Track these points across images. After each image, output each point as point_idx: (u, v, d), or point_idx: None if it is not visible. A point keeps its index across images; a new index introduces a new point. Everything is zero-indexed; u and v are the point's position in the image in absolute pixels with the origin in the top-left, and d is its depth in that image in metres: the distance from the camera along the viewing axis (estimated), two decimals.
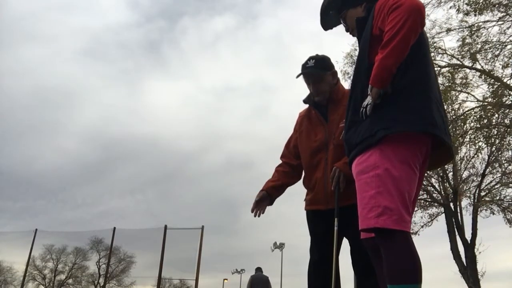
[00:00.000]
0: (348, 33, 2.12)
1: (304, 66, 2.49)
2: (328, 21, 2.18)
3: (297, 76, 2.52)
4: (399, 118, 1.65)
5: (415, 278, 1.52)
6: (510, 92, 10.10)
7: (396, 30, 1.61)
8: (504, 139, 11.38)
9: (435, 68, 10.75)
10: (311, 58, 2.49)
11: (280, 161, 2.71)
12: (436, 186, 13.85)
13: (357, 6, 2.00)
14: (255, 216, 2.56)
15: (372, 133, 1.67)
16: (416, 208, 14.34)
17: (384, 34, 1.67)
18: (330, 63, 2.56)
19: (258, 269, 10.19)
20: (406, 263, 1.55)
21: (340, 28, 2.16)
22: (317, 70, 2.46)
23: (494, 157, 12.59)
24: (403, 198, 1.62)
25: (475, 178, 13.48)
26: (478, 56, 10.40)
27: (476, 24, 10.20)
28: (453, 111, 11.67)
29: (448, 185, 13.44)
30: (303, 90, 2.61)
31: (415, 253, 1.58)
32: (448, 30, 10.58)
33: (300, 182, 2.64)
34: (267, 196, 2.56)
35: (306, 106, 2.66)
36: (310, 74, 2.47)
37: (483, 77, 10.86)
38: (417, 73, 1.73)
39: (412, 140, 1.67)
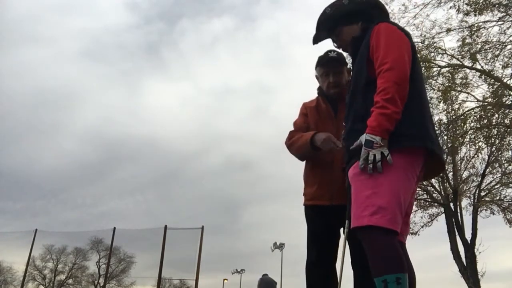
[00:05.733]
0: (340, 49, 2.23)
1: (326, 56, 2.51)
2: (319, 35, 2.26)
3: (321, 62, 2.51)
4: (400, 133, 1.72)
5: (401, 268, 1.57)
6: (510, 92, 10.08)
7: (389, 97, 1.70)
8: (504, 139, 11.37)
9: (435, 68, 10.83)
10: (332, 50, 2.50)
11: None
12: (436, 186, 13.83)
13: (353, 24, 2.09)
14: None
15: None
16: (416, 208, 14.36)
17: (377, 94, 1.74)
18: (345, 59, 2.60)
19: (265, 275, 10.30)
20: (391, 255, 1.60)
21: None
22: (340, 61, 2.49)
23: (494, 157, 12.57)
24: (397, 200, 1.67)
25: (475, 178, 13.47)
26: (478, 56, 10.38)
27: (476, 24, 10.18)
28: (453, 111, 11.66)
29: (448, 185, 13.42)
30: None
31: (399, 249, 1.64)
32: (448, 30, 10.55)
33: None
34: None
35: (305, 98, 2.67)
36: (335, 63, 2.48)
37: (483, 77, 10.84)
38: (413, 90, 1.80)
39: (410, 153, 1.75)
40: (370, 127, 1.70)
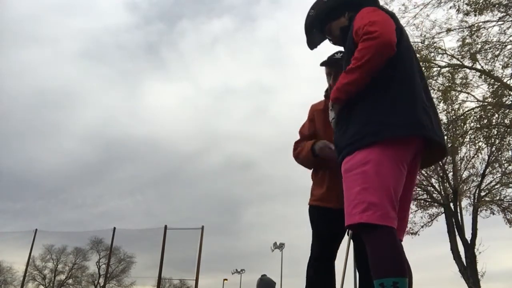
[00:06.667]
0: (336, 45, 2.18)
1: (332, 56, 2.45)
2: (313, 39, 2.22)
3: (323, 64, 2.46)
4: (386, 122, 1.68)
5: (400, 272, 1.52)
6: (510, 92, 10.08)
7: (361, 64, 1.70)
8: (504, 139, 11.37)
9: (435, 68, 10.83)
10: (339, 51, 2.44)
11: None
12: (436, 186, 13.84)
13: (340, 17, 2.06)
14: None
15: (360, 137, 1.70)
16: (416, 208, 14.39)
17: (352, 59, 1.74)
18: None
19: (264, 276, 10.29)
20: (390, 257, 1.55)
21: None
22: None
23: (494, 157, 12.57)
24: (388, 194, 1.63)
25: (475, 178, 13.48)
26: (478, 56, 10.37)
27: (476, 24, 10.18)
28: (453, 111, 11.66)
29: (448, 185, 13.43)
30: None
31: (399, 248, 1.59)
32: (448, 30, 10.55)
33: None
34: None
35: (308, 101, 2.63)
36: (336, 64, 2.38)
37: (483, 77, 10.84)
38: (401, 75, 1.77)
39: (399, 141, 1.70)
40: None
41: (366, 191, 1.62)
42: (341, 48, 2.25)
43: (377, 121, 1.69)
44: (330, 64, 2.43)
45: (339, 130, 1.85)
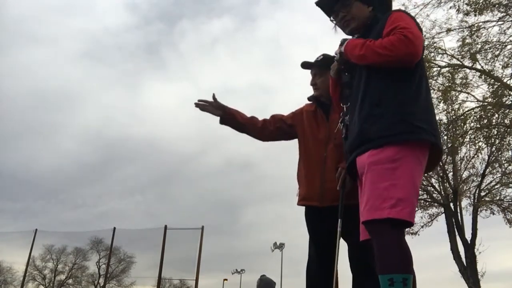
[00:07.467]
0: (336, 22, 2.11)
1: (317, 60, 2.54)
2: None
3: (302, 65, 2.56)
4: (419, 125, 1.73)
5: (409, 269, 1.56)
6: (510, 92, 10.09)
7: (389, 54, 1.74)
8: (504, 139, 11.37)
9: (435, 68, 10.83)
10: (322, 54, 2.54)
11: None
12: (436, 186, 13.84)
13: (365, 4, 2.05)
14: (195, 104, 2.62)
15: (394, 133, 1.72)
16: (415, 208, 14.36)
17: (384, 42, 1.77)
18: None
19: (263, 276, 10.29)
20: (402, 253, 1.59)
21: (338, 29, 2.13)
22: (320, 63, 2.49)
23: (494, 157, 12.58)
24: (416, 193, 1.70)
25: (475, 178, 13.49)
26: (478, 56, 10.38)
27: (476, 24, 10.19)
28: (453, 111, 11.67)
29: (448, 185, 13.43)
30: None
31: (408, 247, 1.62)
32: (448, 30, 10.56)
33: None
34: (223, 111, 2.61)
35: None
36: (311, 65, 2.53)
37: (483, 77, 10.85)
38: (423, 86, 1.84)
39: (425, 145, 1.77)
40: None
41: (394, 187, 1.63)
42: (339, 32, 2.18)
43: (412, 122, 1.73)
44: (316, 66, 2.52)
45: (366, 116, 1.81)
